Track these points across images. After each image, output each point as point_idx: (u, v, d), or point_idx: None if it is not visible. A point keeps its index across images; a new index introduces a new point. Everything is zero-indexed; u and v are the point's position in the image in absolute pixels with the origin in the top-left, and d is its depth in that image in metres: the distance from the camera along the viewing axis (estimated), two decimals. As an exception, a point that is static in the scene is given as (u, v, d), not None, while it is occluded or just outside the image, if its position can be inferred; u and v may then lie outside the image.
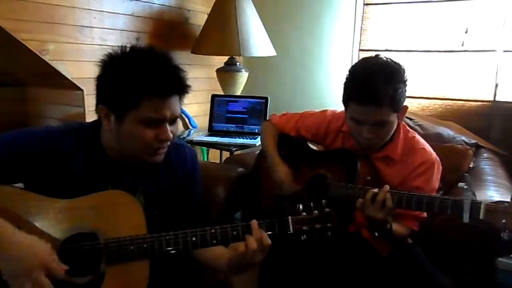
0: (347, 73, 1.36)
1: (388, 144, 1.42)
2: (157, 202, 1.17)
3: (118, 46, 1.07)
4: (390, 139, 1.41)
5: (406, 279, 1.32)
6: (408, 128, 1.48)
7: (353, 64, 1.42)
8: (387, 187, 1.23)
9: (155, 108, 1.03)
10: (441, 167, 1.41)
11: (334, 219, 1.09)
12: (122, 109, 1.03)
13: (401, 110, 1.34)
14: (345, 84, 1.36)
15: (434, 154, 1.41)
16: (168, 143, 1.10)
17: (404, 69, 1.32)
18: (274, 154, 1.59)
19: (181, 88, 1.07)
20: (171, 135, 1.07)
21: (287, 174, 1.53)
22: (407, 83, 1.32)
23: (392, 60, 1.33)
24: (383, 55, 1.35)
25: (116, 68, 1.05)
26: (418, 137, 1.46)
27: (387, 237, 1.31)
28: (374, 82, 1.25)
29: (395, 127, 1.36)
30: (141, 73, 1.01)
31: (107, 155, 1.13)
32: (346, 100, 1.36)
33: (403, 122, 1.46)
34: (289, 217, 1.08)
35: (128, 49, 1.07)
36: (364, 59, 1.43)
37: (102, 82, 1.07)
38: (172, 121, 1.08)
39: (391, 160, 1.42)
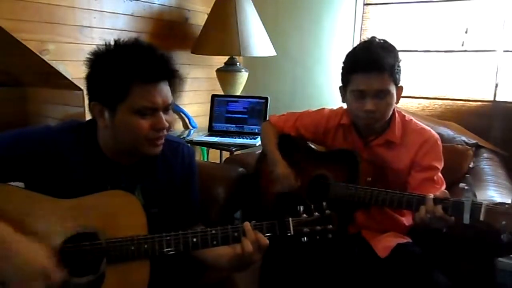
0: (345, 57, 1.43)
1: (386, 130, 1.45)
2: (155, 200, 1.17)
3: (103, 44, 1.07)
4: (387, 124, 1.45)
5: (404, 281, 1.32)
6: (404, 113, 1.51)
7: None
8: (430, 195, 1.20)
9: (145, 95, 1.03)
10: (441, 143, 1.44)
11: (335, 221, 1.09)
12: (114, 102, 1.04)
13: (398, 85, 1.40)
14: (346, 62, 1.42)
15: (433, 131, 1.46)
16: (165, 132, 1.10)
17: (397, 49, 1.41)
18: (274, 150, 1.60)
19: (169, 73, 1.07)
20: (166, 123, 1.07)
21: (286, 170, 1.53)
22: (400, 63, 1.40)
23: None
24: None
25: (102, 63, 1.05)
26: (414, 120, 1.50)
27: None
28: (376, 50, 1.34)
29: (394, 102, 1.40)
30: (128, 62, 1.02)
31: (104, 155, 1.13)
32: (348, 75, 1.41)
33: (398, 109, 1.49)
34: (290, 219, 1.08)
35: (112, 44, 1.07)
36: (360, 42, 1.53)
37: (91, 79, 1.08)
38: (166, 109, 1.08)
39: (392, 143, 1.45)
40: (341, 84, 1.47)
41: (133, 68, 1.02)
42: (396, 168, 1.43)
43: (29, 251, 0.94)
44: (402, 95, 1.43)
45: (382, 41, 1.40)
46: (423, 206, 1.20)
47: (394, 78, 1.36)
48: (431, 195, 1.20)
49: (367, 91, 1.35)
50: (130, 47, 1.07)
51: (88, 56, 1.07)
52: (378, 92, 1.35)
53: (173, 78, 1.09)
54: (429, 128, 1.47)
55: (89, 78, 1.08)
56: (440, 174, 1.41)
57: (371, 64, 1.33)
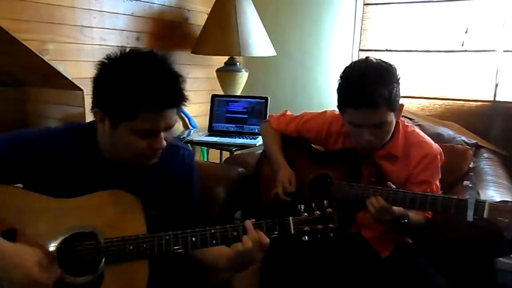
0: (339, 78, 1.36)
1: (389, 142, 1.42)
2: (155, 203, 1.17)
3: (118, 47, 1.06)
4: (390, 137, 1.41)
5: (403, 281, 1.32)
6: (407, 123, 1.48)
7: (344, 68, 1.39)
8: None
9: (151, 121, 1.02)
10: (443, 157, 1.42)
11: (336, 219, 1.08)
12: (118, 118, 1.02)
13: (397, 108, 1.34)
14: (339, 90, 1.36)
15: (435, 145, 1.42)
16: (161, 150, 1.09)
17: (395, 68, 1.33)
18: (278, 155, 1.59)
19: (179, 101, 1.05)
20: (164, 143, 1.06)
21: (287, 175, 1.52)
22: (400, 81, 1.32)
23: (382, 61, 1.34)
24: (372, 56, 1.36)
25: (115, 74, 1.02)
26: (417, 130, 1.47)
27: (406, 228, 1.32)
28: (369, 85, 1.25)
29: (394, 126, 1.37)
30: (140, 85, 0.99)
31: (103, 157, 1.13)
32: (342, 106, 1.36)
33: (401, 119, 1.46)
34: (290, 218, 1.07)
35: (127, 52, 1.05)
36: (355, 63, 1.43)
37: (99, 85, 1.06)
38: (167, 130, 1.07)
39: (394, 157, 1.42)
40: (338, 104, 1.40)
41: (145, 93, 0.99)
42: (393, 181, 1.41)
43: (16, 255, 0.92)
44: (402, 95, 1.42)
45: (376, 66, 1.31)
46: (368, 200, 1.23)
47: (392, 106, 1.29)
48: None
49: (362, 125, 1.31)
50: (145, 61, 1.03)
51: (102, 59, 1.05)
52: (374, 124, 1.31)
53: (182, 105, 1.07)
54: (430, 141, 1.43)
55: (97, 84, 1.06)
56: (434, 186, 1.40)
57: (365, 101, 1.26)
